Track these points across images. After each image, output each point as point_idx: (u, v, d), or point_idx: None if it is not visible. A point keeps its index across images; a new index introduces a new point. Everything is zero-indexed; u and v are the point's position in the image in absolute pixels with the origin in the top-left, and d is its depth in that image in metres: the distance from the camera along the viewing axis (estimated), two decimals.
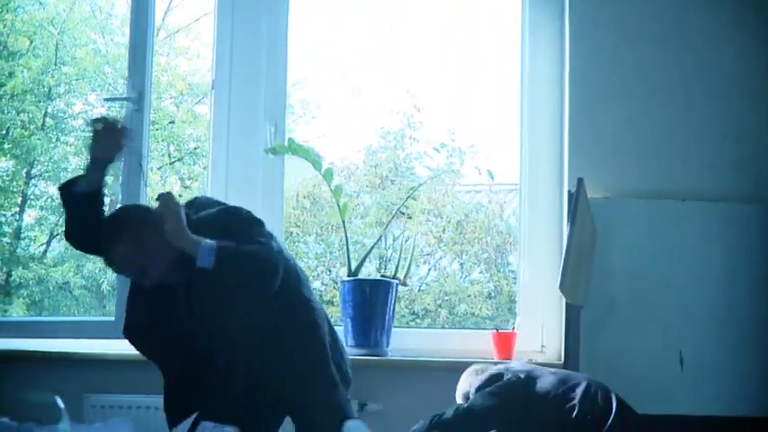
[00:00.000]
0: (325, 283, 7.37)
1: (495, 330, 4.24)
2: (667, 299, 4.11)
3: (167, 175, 8.40)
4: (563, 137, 4.31)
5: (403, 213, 4.49)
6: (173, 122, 8.47)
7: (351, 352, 4.16)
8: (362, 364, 4.15)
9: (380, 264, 5.93)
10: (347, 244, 4.28)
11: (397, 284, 4.24)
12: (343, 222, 4.27)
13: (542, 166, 4.36)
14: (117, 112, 4.44)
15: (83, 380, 4.23)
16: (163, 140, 8.57)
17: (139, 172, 4.10)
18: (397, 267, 4.31)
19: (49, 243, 8.40)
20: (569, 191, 4.05)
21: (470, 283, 7.67)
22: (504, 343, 4.19)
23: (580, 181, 3.92)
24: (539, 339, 4.29)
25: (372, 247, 4.53)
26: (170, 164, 8.55)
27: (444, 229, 7.79)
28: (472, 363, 3.93)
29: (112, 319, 4.18)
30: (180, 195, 7.58)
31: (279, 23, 4.48)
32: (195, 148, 8.67)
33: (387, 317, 4.18)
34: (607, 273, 4.08)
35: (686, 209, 4.14)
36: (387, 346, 4.21)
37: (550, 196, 4.34)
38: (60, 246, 8.32)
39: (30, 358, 4.27)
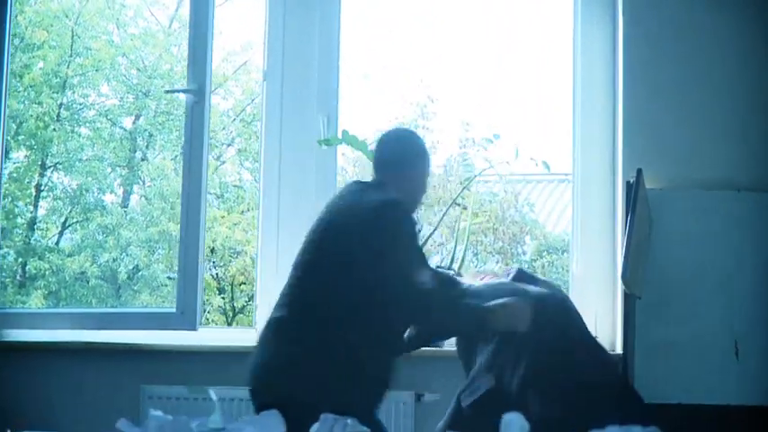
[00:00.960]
0: None
1: None
2: (722, 289, 4.11)
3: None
4: (617, 127, 4.32)
5: (458, 204, 4.49)
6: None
7: None
8: (419, 355, 4.15)
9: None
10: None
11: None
12: None
13: (596, 156, 4.37)
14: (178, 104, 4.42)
15: (140, 371, 4.25)
16: (177, 131, 8.55)
17: None
18: (452, 258, 4.32)
19: (61, 233, 8.38)
20: (627, 181, 4.06)
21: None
22: None
23: (639, 172, 3.94)
24: (592, 329, 4.30)
25: (428, 238, 4.54)
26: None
27: (457, 220, 7.79)
28: None
29: (173, 310, 4.18)
30: None
31: (331, 14, 4.48)
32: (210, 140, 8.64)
33: None
34: (662, 263, 4.09)
35: (742, 200, 4.15)
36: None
37: (604, 187, 4.35)
38: (74, 236, 8.32)
39: (88, 350, 4.28)
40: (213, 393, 1.87)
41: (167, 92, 7.97)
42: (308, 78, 4.42)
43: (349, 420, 2.06)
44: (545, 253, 8.32)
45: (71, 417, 4.09)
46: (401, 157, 3.42)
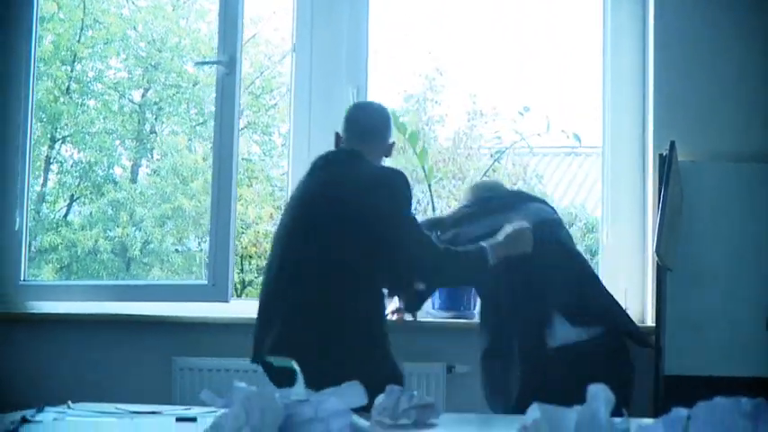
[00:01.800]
0: None
1: None
2: (753, 262, 4.11)
3: (193, 140, 8.35)
4: (647, 99, 4.31)
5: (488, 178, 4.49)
6: (196, 84, 8.42)
7: (438, 315, 4.19)
8: (450, 327, 4.17)
9: None
10: (433, 207, 4.29)
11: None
12: (429, 186, 4.27)
13: (626, 128, 4.36)
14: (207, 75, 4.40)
15: (171, 343, 4.25)
16: (185, 103, 8.53)
17: None
18: None
19: (69, 207, 8.36)
20: (660, 154, 4.05)
21: None
22: None
23: (672, 144, 3.94)
24: (622, 302, 4.30)
25: (458, 212, 4.51)
26: (194, 126, 8.51)
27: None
28: None
29: (205, 282, 4.18)
30: (204, 159, 7.58)
31: None
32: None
33: None
34: (692, 236, 4.09)
35: None
36: (474, 309, 4.21)
37: (634, 159, 4.35)
38: (82, 209, 8.30)
39: (118, 322, 4.28)
40: (296, 365, 1.87)
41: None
42: (337, 50, 4.40)
43: (415, 392, 2.07)
44: None
45: (104, 388, 4.08)
46: (381, 128, 3.53)
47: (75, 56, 8.16)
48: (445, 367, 4.14)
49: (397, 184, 3.29)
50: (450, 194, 7.55)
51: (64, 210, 8.33)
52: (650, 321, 4.18)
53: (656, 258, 3.84)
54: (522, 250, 3.41)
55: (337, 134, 3.55)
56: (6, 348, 4.31)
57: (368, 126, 3.52)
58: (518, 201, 3.75)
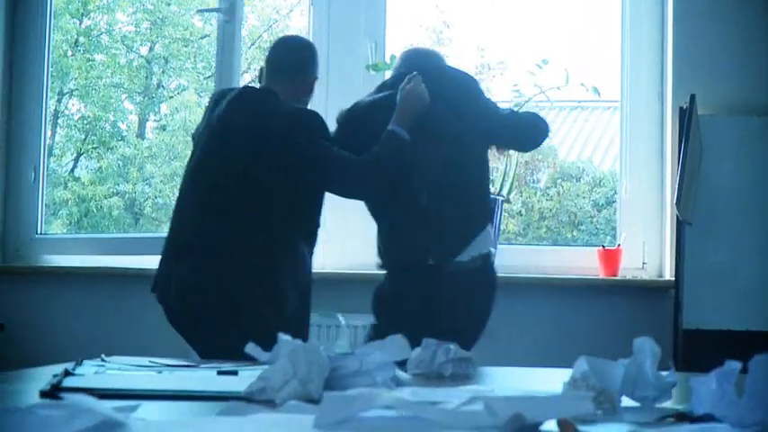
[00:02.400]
0: None
1: (601, 247, 4.26)
2: None
3: (204, 95, 8.32)
4: (666, 53, 4.28)
5: None
6: (206, 36, 8.38)
7: None
8: None
9: None
10: None
11: (502, 201, 4.24)
12: None
13: (644, 82, 4.34)
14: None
15: None
16: (192, 57, 8.49)
17: None
18: (501, 184, 4.31)
19: (76, 161, 8.35)
20: (680, 107, 4.04)
21: None
22: (610, 259, 4.21)
23: (692, 98, 3.92)
24: (640, 256, 4.32)
25: None
26: (202, 81, 8.47)
27: None
28: (578, 280, 3.98)
29: None
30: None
31: None
32: None
33: (493, 234, 4.17)
34: (711, 190, 4.08)
35: None
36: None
37: (652, 113, 4.32)
38: (89, 164, 8.29)
39: (134, 275, 4.28)
40: (342, 318, 1.86)
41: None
42: (355, 3, 4.36)
43: (452, 346, 2.07)
44: (559, 180, 8.31)
45: (115, 341, 4.09)
46: (297, 66, 3.45)
47: (84, 9, 8.11)
48: None
49: (309, 121, 3.24)
50: None
51: (71, 165, 8.32)
52: (669, 275, 4.17)
53: (677, 212, 3.83)
54: (421, 105, 3.29)
55: (261, 68, 3.52)
56: (22, 301, 4.32)
57: (284, 63, 3.45)
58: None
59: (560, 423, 1.27)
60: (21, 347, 3.96)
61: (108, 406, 1.10)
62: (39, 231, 4.51)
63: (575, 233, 7.46)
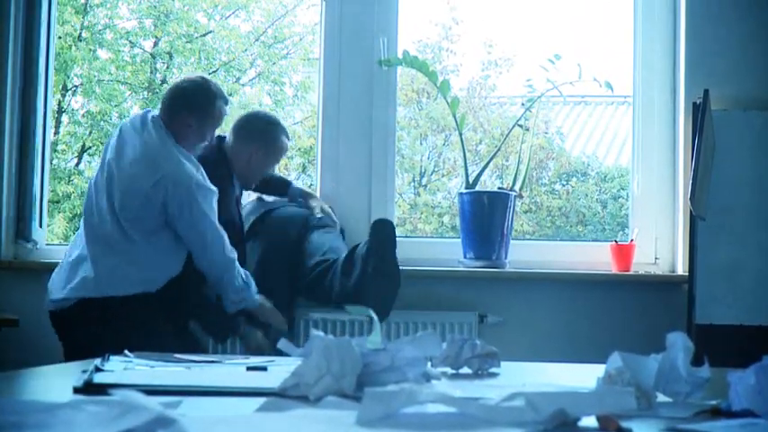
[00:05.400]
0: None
1: (614, 242, 4.26)
2: None
3: None
4: (678, 47, 4.27)
5: (521, 126, 4.46)
6: (210, 33, 8.37)
7: (469, 264, 4.18)
8: (482, 277, 4.17)
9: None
10: (464, 156, 4.27)
11: (515, 196, 4.24)
12: (461, 135, 4.25)
13: (657, 77, 4.33)
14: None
15: None
16: (194, 53, 8.48)
17: None
18: (514, 179, 4.30)
19: (80, 156, 8.35)
20: (693, 102, 4.03)
21: None
22: (623, 254, 4.21)
23: (706, 93, 3.91)
24: (652, 251, 4.31)
25: (491, 159, 4.53)
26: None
27: (480, 142, 7.78)
28: (590, 275, 3.99)
29: None
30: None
31: None
32: (228, 62, 8.58)
33: (505, 229, 4.18)
34: (724, 185, 4.07)
35: None
36: (505, 258, 4.21)
37: (665, 108, 4.32)
38: (93, 159, 8.28)
39: None
40: (373, 313, 1.86)
41: None
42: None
43: (478, 341, 2.07)
44: (565, 176, 8.30)
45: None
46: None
47: (87, 3, 8.11)
48: (477, 316, 4.14)
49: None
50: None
51: (75, 160, 8.32)
52: (681, 270, 4.17)
53: (690, 207, 3.83)
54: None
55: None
56: (36, 297, 4.30)
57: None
58: None
59: (601, 419, 1.27)
60: (35, 343, 3.94)
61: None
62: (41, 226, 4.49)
63: (580, 228, 7.46)
